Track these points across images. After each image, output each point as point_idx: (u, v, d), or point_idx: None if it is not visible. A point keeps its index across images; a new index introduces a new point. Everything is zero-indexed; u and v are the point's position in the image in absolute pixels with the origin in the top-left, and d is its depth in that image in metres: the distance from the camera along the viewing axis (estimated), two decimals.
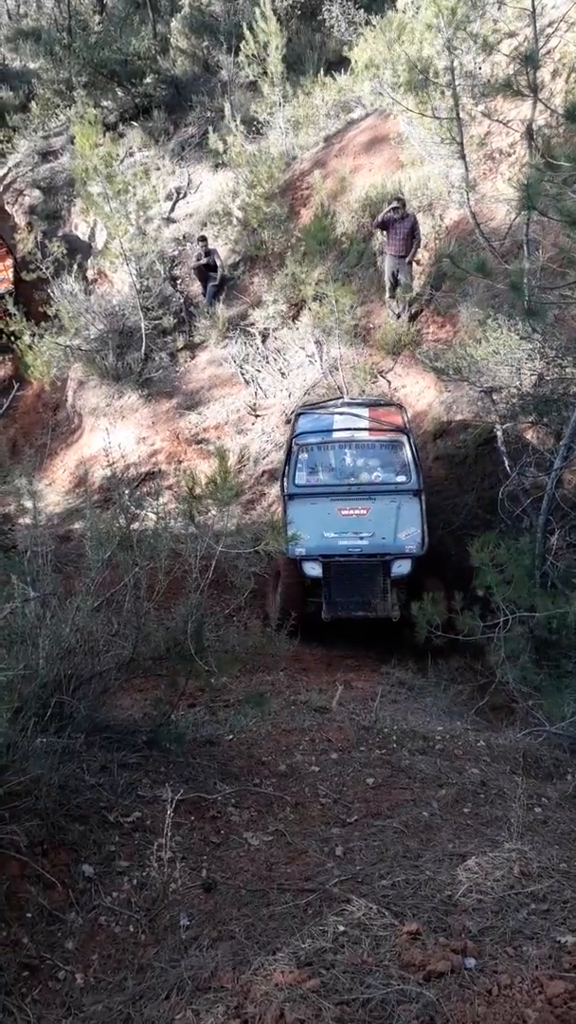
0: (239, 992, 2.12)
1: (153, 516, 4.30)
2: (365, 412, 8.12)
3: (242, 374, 11.12)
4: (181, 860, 2.93)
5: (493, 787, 3.76)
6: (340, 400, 8.81)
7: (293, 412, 8.87)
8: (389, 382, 9.79)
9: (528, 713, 4.96)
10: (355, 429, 7.80)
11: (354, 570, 6.89)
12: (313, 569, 6.91)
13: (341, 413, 8.15)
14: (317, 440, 7.73)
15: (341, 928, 2.36)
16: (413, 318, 9.95)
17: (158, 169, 14.56)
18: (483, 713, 5.38)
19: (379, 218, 9.78)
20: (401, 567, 6.87)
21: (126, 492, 3.95)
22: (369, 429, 7.78)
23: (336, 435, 7.77)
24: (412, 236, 9.66)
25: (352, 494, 7.33)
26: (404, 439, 7.55)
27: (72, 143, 13.73)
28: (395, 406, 8.42)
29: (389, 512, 7.11)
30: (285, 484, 7.57)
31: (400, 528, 6.99)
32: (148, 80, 15.87)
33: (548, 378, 6.67)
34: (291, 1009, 1.98)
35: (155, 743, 3.66)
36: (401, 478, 7.42)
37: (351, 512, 7.16)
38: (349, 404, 8.48)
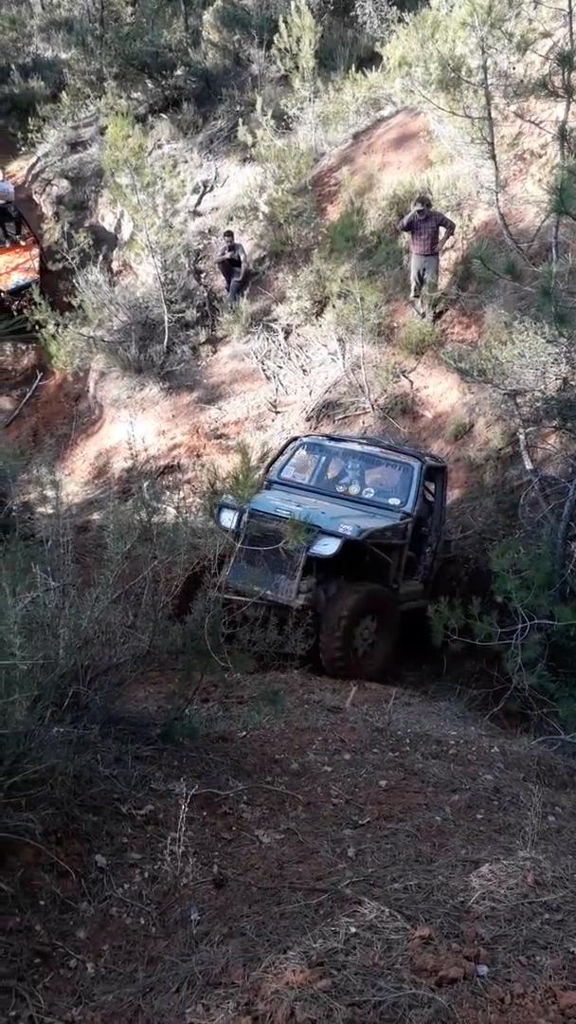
0: (249, 989, 2.13)
1: (173, 510, 4.30)
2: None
3: (263, 370, 11.10)
4: (193, 855, 2.93)
5: (507, 794, 3.74)
6: (365, 438, 7.93)
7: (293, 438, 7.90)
8: (411, 382, 9.74)
9: (543, 720, 4.93)
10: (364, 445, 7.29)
11: (270, 537, 5.62)
12: (229, 520, 5.87)
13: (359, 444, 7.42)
14: (315, 441, 7.38)
15: (353, 930, 2.35)
16: (438, 318, 9.89)
17: (186, 162, 14.55)
18: (497, 719, 5.35)
19: (404, 220, 9.76)
20: (326, 545, 5.78)
21: (146, 485, 3.95)
22: (381, 447, 7.23)
23: (343, 442, 7.37)
24: (437, 234, 9.64)
25: (335, 497, 6.75)
26: (416, 465, 6.85)
27: (101, 134, 13.76)
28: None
29: (355, 512, 6.39)
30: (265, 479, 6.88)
31: (350, 518, 6.12)
32: (178, 72, 15.84)
33: (573, 383, 6.61)
34: (302, 1008, 1.98)
35: (169, 737, 3.67)
36: (394, 500, 6.70)
37: (314, 502, 6.49)
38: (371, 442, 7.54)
